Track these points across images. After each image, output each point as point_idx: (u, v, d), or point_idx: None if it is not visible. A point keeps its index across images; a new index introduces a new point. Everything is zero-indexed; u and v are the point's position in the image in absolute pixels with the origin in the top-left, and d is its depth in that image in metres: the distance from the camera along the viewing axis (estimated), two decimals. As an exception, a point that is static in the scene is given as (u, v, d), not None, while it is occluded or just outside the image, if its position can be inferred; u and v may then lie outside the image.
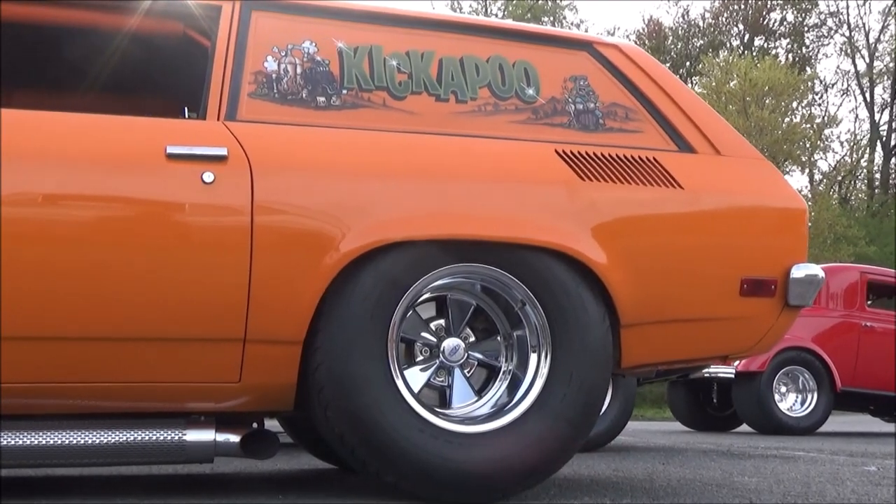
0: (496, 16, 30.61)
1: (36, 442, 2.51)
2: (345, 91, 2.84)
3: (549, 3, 32.59)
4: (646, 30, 33.78)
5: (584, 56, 3.12)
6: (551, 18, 32.09)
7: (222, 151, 2.59)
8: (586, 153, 2.91)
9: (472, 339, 2.88)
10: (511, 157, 2.89)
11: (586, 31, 30.31)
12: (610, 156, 2.93)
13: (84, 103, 3.33)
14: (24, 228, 2.44)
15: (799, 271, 3.01)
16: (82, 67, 3.23)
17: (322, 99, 2.81)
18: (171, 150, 2.56)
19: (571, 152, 2.90)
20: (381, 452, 2.61)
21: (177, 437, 2.58)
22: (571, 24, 32.47)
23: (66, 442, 2.52)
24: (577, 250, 2.78)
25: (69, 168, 2.51)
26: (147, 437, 2.56)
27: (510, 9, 31.45)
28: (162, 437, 2.57)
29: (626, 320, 2.85)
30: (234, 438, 2.65)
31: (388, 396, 2.62)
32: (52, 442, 2.52)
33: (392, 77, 2.90)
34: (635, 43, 19.88)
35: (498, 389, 2.86)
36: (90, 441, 2.53)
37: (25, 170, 2.47)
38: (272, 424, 4.21)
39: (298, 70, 2.82)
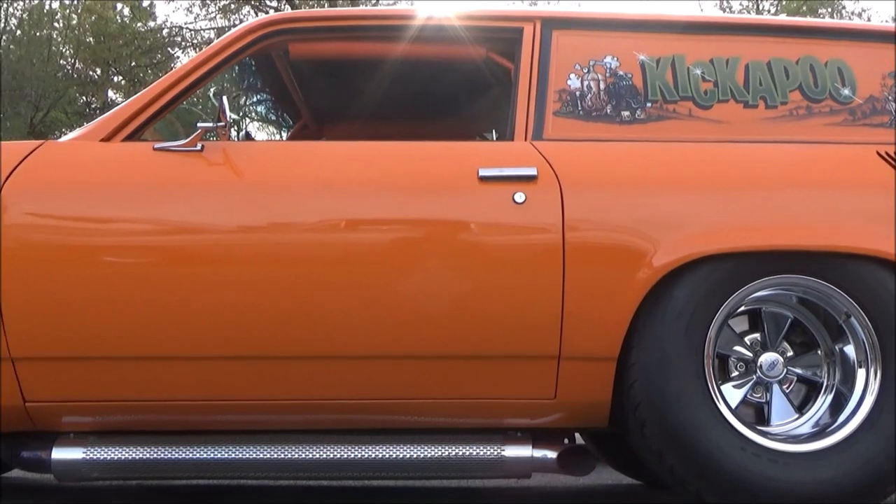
0: (768, 12, 29.40)
1: (364, 455, 2.65)
2: (649, 104, 2.81)
3: (826, -7, 30.91)
4: (938, 12, 31.28)
5: (904, 50, 2.92)
6: (829, 9, 30.43)
7: (532, 171, 2.64)
8: (912, 153, 2.72)
9: (790, 353, 2.76)
10: (828, 162, 2.75)
11: (868, 19, 28.48)
12: (940, 155, 2.73)
13: (392, 131, 3.50)
14: (348, 253, 2.59)
15: None
16: (392, 97, 3.40)
17: (626, 113, 2.80)
18: (483, 172, 2.63)
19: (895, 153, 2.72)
20: (701, 471, 2.55)
21: (496, 453, 2.64)
22: (852, 13, 30.60)
23: (393, 456, 2.64)
24: None
25: (388, 194, 2.64)
26: (467, 452, 2.63)
27: (783, 3, 30.11)
28: (482, 453, 2.63)
29: None
30: (551, 454, 2.67)
31: (707, 414, 2.56)
32: (379, 456, 2.64)
33: (697, 86, 2.83)
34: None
35: (820, 407, 2.72)
36: (415, 455, 2.63)
37: (350, 197, 2.62)
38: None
39: (601, 86, 2.82)
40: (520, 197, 2.60)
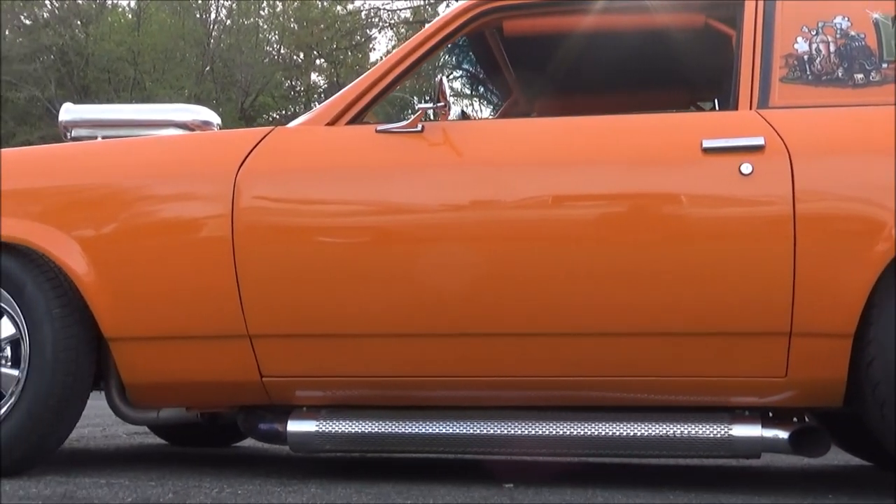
0: None
1: (587, 433, 2.64)
2: (885, 65, 2.65)
3: None
4: None
5: None
6: None
7: (759, 141, 2.54)
8: None
9: None
10: None
11: None
12: None
13: (604, 103, 3.45)
14: (572, 230, 2.58)
15: None
16: (605, 69, 3.35)
17: (860, 76, 2.65)
18: (707, 143, 2.56)
19: None
20: (945, 455, 2.41)
21: (724, 432, 2.57)
22: None
23: (618, 433, 2.62)
24: None
25: (611, 168, 2.61)
26: (694, 431, 2.58)
27: None
28: (709, 432, 2.58)
29: None
30: (783, 434, 2.58)
31: (956, 394, 2.41)
32: (604, 433, 2.63)
33: (939, 43, 2.65)
34: None
35: None
36: (641, 433, 2.60)
37: (572, 172, 2.62)
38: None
39: (832, 48, 2.68)
40: (746, 168, 2.51)
